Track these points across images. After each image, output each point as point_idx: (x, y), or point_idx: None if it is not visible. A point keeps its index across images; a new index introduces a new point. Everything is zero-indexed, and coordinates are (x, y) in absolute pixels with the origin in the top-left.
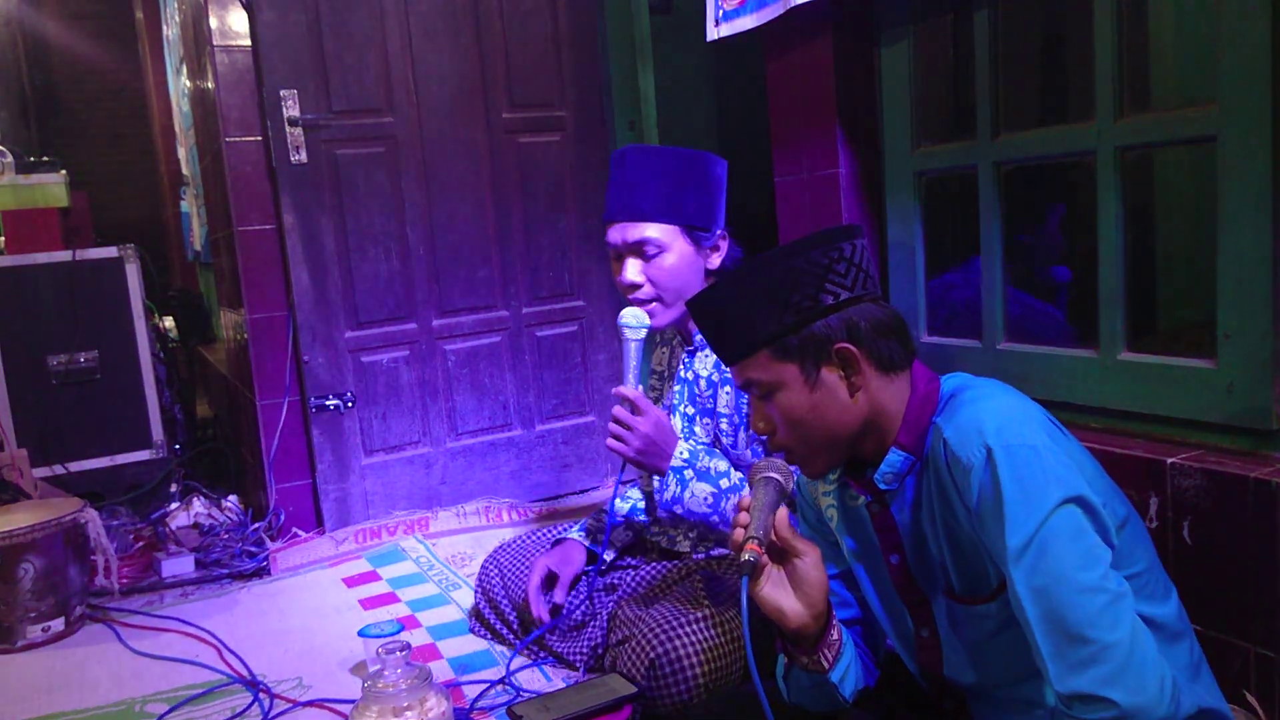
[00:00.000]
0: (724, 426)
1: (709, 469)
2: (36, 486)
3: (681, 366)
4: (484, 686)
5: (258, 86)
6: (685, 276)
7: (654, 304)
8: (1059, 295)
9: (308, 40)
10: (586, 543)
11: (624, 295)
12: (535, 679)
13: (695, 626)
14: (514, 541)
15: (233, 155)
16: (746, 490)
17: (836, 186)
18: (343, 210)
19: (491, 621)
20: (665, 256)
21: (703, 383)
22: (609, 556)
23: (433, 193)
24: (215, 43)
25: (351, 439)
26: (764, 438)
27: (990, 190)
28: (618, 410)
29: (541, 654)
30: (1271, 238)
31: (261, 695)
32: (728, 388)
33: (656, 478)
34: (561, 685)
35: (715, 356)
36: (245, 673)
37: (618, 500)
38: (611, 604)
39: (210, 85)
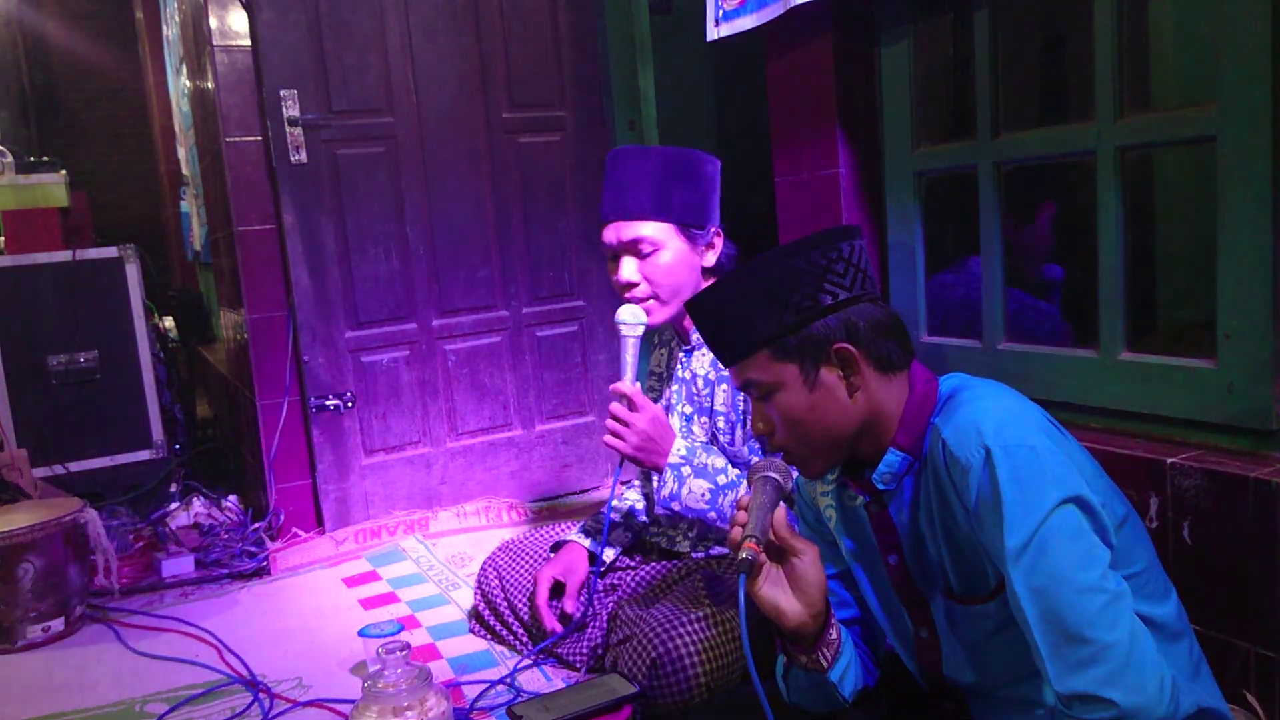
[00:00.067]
0: (720, 424)
1: (706, 465)
2: (36, 486)
3: (679, 366)
4: (484, 686)
5: (258, 86)
6: (681, 274)
7: (651, 301)
8: (1052, 294)
9: (308, 40)
10: (587, 543)
11: (621, 294)
12: (535, 679)
13: (696, 626)
14: (512, 543)
15: (233, 155)
16: (744, 488)
17: (836, 186)
18: (343, 210)
19: (491, 623)
20: (661, 254)
21: (700, 381)
22: (610, 556)
23: (433, 193)
24: (215, 43)
25: (351, 439)
26: (763, 437)
27: (990, 190)
28: (615, 406)
29: (541, 658)
30: (1271, 238)
31: (261, 695)
32: (724, 386)
33: (655, 476)
34: (562, 685)
35: (712, 355)
36: (245, 673)
37: (615, 501)
38: (612, 604)
39: (210, 85)
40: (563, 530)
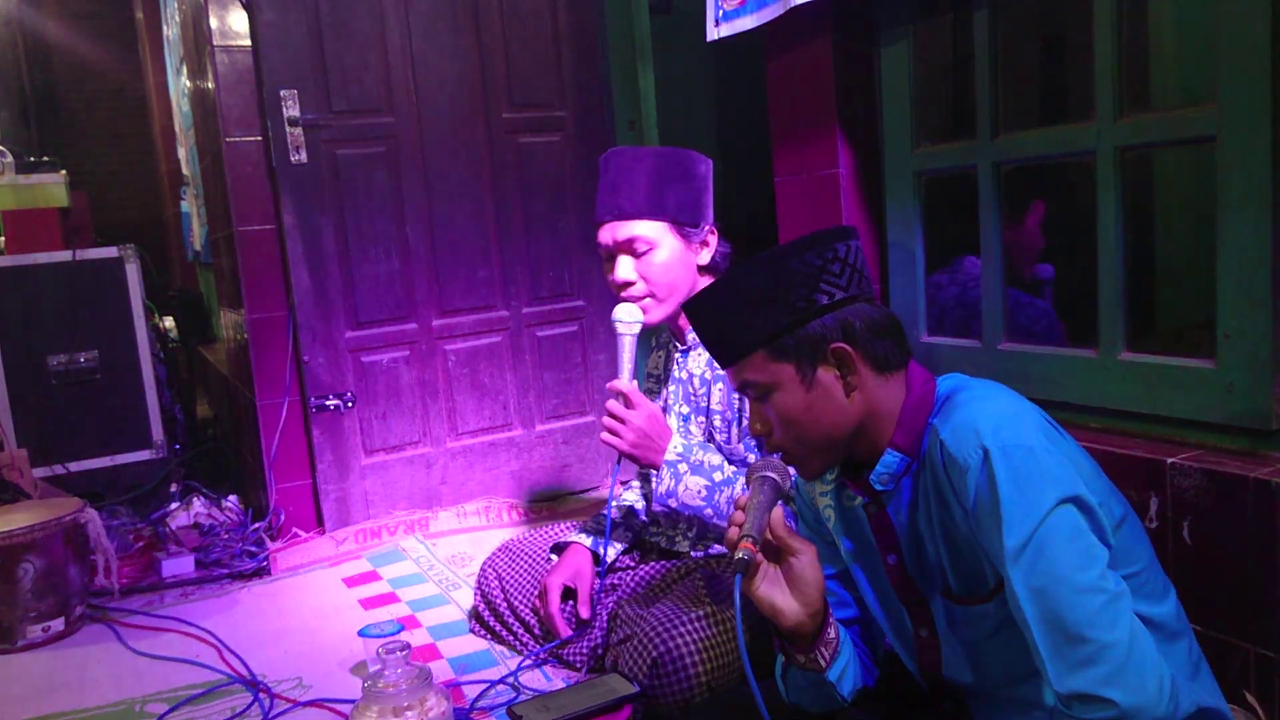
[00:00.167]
0: (717, 423)
1: (702, 462)
2: (36, 486)
3: (676, 367)
4: (484, 686)
5: (258, 86)
6: (677, 272)
7: (647, 300)
8: (1043, 293)
9: (308, 40)
10: (588, 543)
11: (617, 294)
12: (536, 679)
13: (696, 625)
14: (512, 543)
15: (233, 155)
16: (740, 485)
17: (836, 186)
18: (343, 210)
19: (490, 623)
20: (656, 253)
21: (696, 381)
22: (612, 554)
23: (433, 193)
24: (215, 43)
25: (351, 439)
26: (760, 437)
27: (990, 190)
28: (611, 404)
29: (544, 658)
30: (1271, 238)
31: (261, 695)
32: (720, 384)
33: (653, 475)
34: (562, 685)
35: (707, 354)
36: (245, 673)
37: (615, 501)
38: (612, 604)
39: (210, 85)
40: (562, 531)
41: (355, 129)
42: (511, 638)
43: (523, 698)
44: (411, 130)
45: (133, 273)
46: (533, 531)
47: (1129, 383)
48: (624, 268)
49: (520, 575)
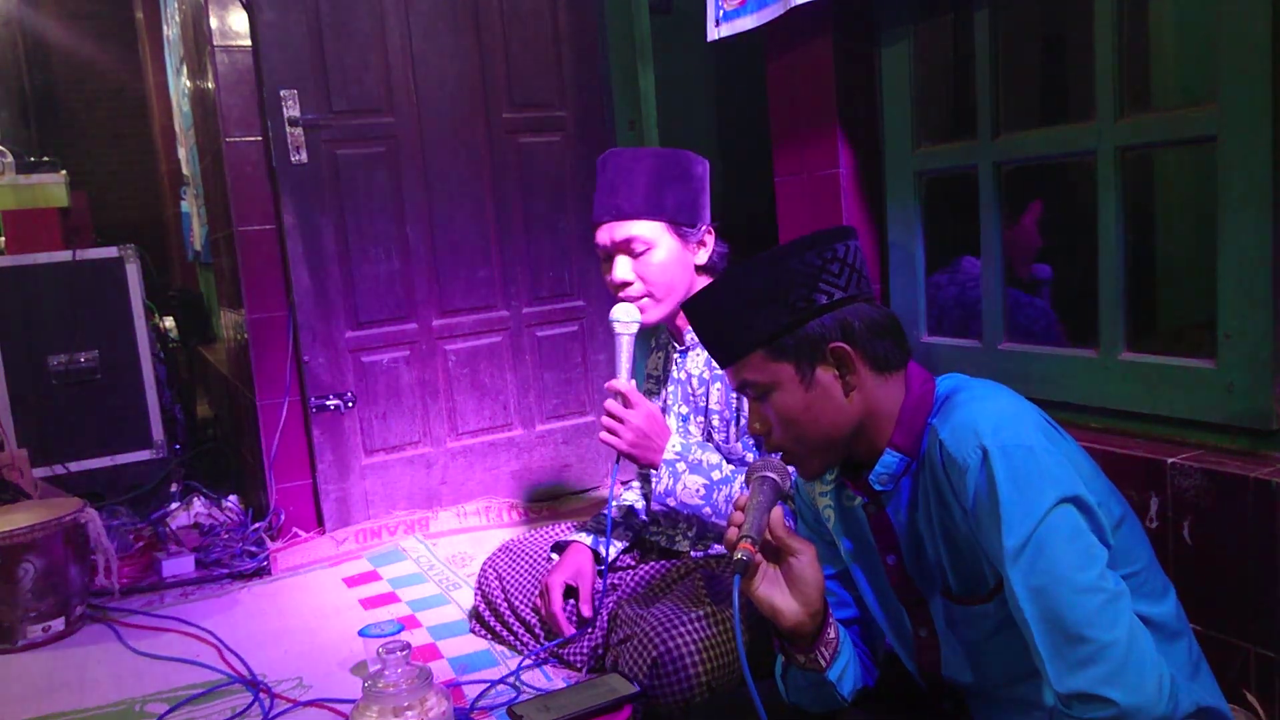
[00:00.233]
0: (715, 423)
1: (701, 461)
2: (36, 486)
3: (674, 367)
4: (484, 686)
5: (258, 86)
6: (674, 271)
7: (645, 300)
8: (1040, 292)
9: (308, 40)
10: (589, 541)
11: (615, 294)
12: (536, 679)
13: (696, 625)
14: (512, 544)
15: (233, 155)
16: (738, 484)
17: (836, 186)
18: (343, 210)
19: (491, 623)
20: (654, 253)
21: (695, 381)
22: (613, 552)
23: (433, 193)
24: (215, 43)
25: (352, 439)
26: (759, 437)
27: (990, 190)
28: (609, 403)
29: (544, 657)
30: (1271, 238)
31: (261, 695)
32: (718, 384)
33: (653, 474)
34: (562, 685)
35: (706, 354)
36: (245, 673)
37: (614, 501)
38: (612, 604)
39: (210, 85)
40: (562, 531)
41: (355, 129)
42: (512, 638)
43: (523, 697)
44: (411, 130)
45: (133, 273)
46: (533, 531)
47: (1129, 383)
48: (622, 268)
49: (521, 575)
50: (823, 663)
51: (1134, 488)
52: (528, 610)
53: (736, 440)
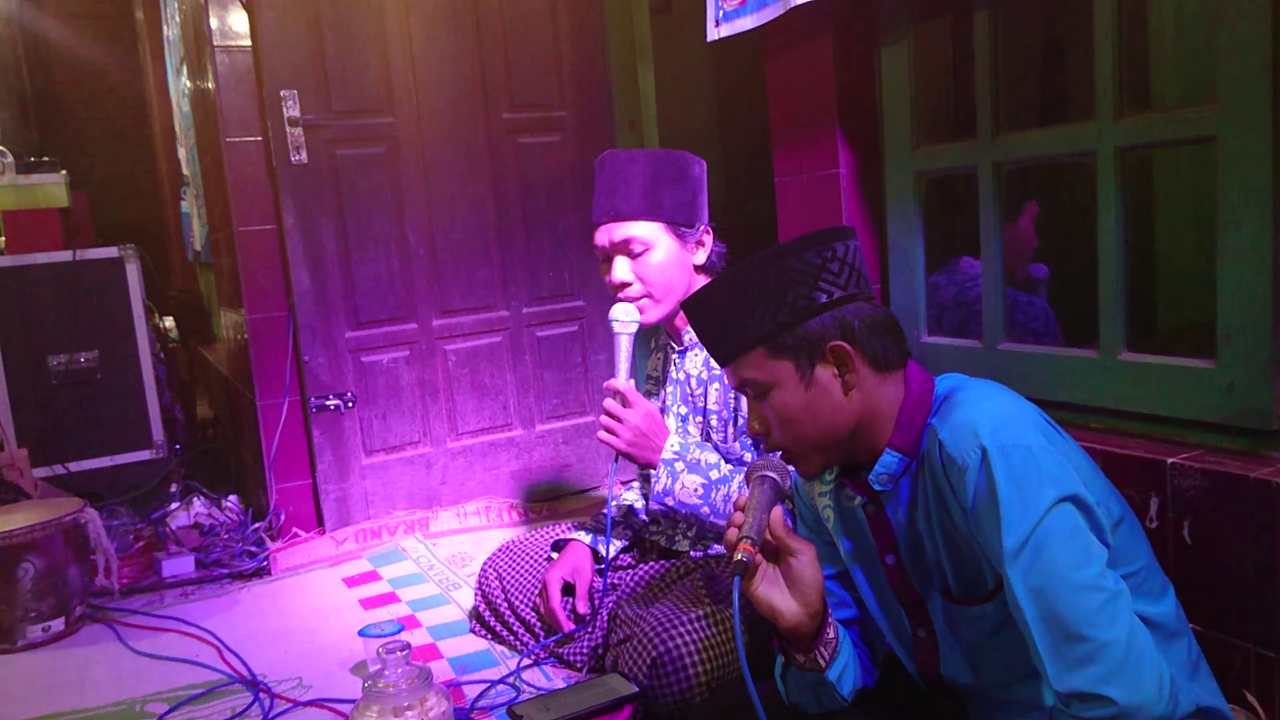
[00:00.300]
0: (713, 423)
1: (699, 461)
2: (36, 486)
3: (673, 368)
4: (484, 686)
5: (258, 86)
6: (673, 272)
7: (644, 300)
8: (1037, 292)
9: (308, 40)
10: (588, 540)
11: (614, 294)
12: (536, 679)
13: (695, 625)
14: (512, 544)
15: (233, 155)
16: (736, 483)
17: (836, 186)
18: (343, 210)
19: (491, 623)
20: (652, 253)
21: (693, 382)
22: (612, 550)
23: (433, 193)
24: (215, 43)
25: (351, 439)
26: (758, 437)
27: (990, 190)
28: (608, 403)
29: (543, 655)
30: (1271, 238)
31: (261, 695)
32: (716, 385)
33: (652, 474)
34: (562, 685)
35: (705, 354)
36: (245, 673)
37: (614, 502)
38: (611, 604)
39: (210, 85)
40: (562, 531)
41: (355, 129)
42: (512, 638)
43: (523, 697)
44: (411, 130)
45: (133, 273)
46: (533, 531)
47: (1129, 383)
48: (620, 269)
49: (521, 575)
50: (822, 663)
51: (1134, 488)
52: (528, 610)
53: (734, 440)
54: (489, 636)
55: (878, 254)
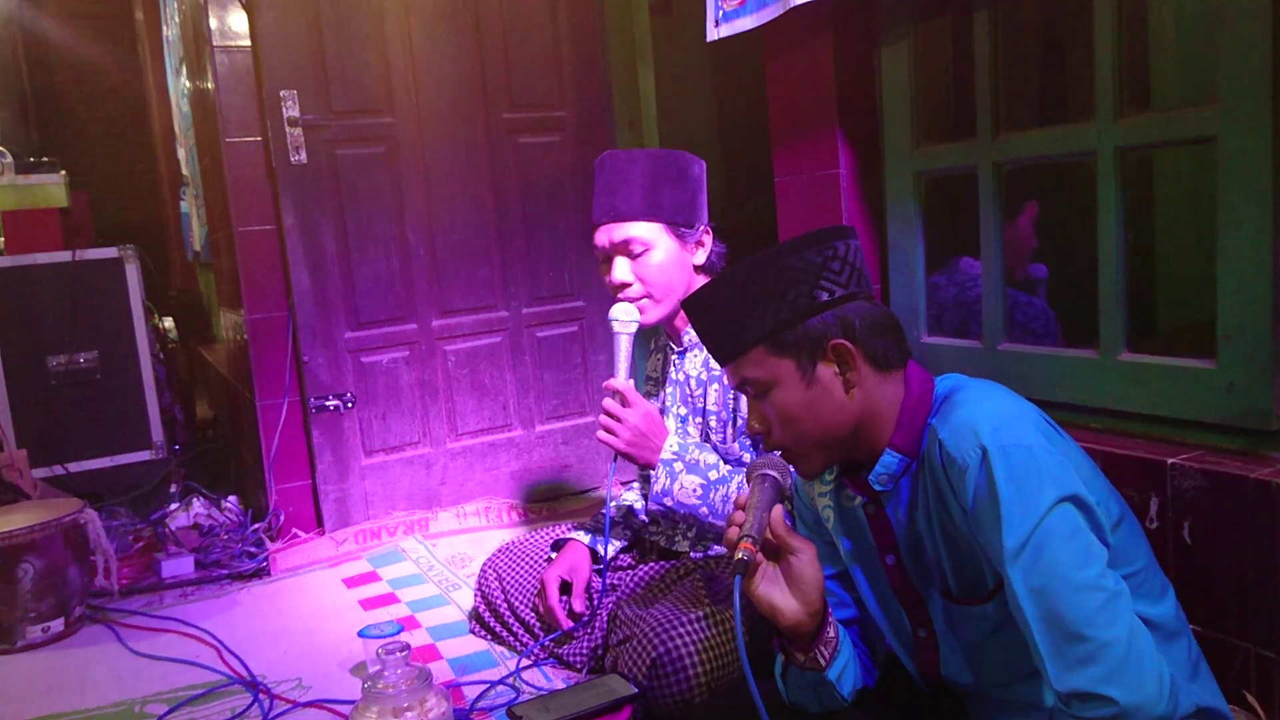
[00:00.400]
0: (712, 423)
1: (698, 461)
2: (36, 486)
3: (673, 369)
4: (484, 687)
5: (258, 87)
6: (673, 272)
7: (644, 300)
8: (1036, 292)
9: (308, 40)
10: (587, 540)
11: (614, 295)
12: (536, 679)
13: (695, 625)
14: (512, 544)
15: (233, 155)
16: (736, 483)
17: (836, 186)
18: (343, 210)
19: (490, 624)
20: (652, 254)
21: (693, 382)
22: (611, 550)
23: (433, 193)
24: (215, 43)
25: (351, 439)
26: (758, 436)
27: (990, 190)
28: (607, 403)
29: (542, 654)
30: (1271, 238)
31: (261, 696)
32: (716, 385)
33: (651, 474)
34: (562, 686)
35: (704, 355)
36: (245, 673)
37: (614, 502)
38: (611, 604)
39: (210, 85)
40: (562, 531)
41: (355, 129)
42: (511, 638)
43: (523, 698)
44: (411, 130)
45: (132, 273)
46: (532, 532)
47: (1129, 383)
48: (620, 269)
49: (520, 576)
50: (822, 662)
51: (1134, 488)
52: (527, 611)
53: (734, 441)
54: (488, 637)
55: (878, 254)
